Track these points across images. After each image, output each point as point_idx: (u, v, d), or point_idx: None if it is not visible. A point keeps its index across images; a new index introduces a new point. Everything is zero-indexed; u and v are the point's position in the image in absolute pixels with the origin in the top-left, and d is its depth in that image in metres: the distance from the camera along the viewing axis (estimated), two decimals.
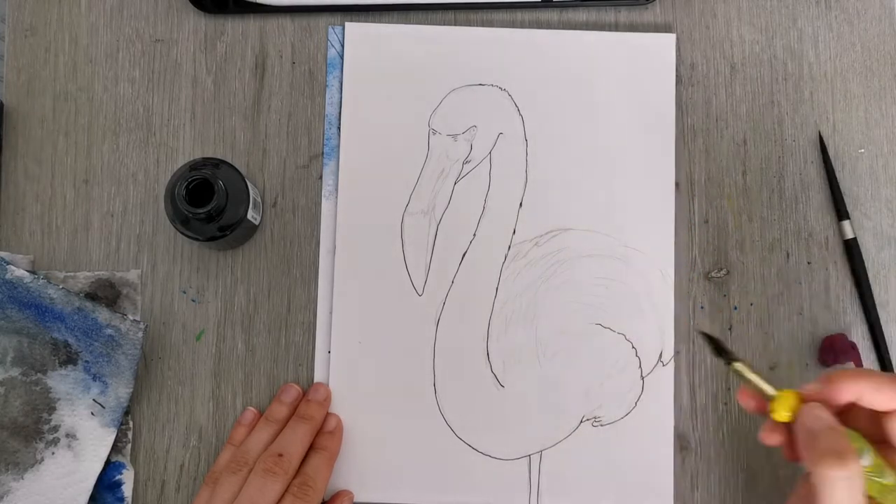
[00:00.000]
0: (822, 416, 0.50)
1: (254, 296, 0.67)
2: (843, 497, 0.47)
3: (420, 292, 0.66)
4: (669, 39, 0.69)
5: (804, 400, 0.52)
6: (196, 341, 0.67)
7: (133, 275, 0.67)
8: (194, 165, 0.61)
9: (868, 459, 0.49)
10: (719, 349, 0.54)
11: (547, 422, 0.65)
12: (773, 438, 0.53)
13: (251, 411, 0.65)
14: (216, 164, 0.62)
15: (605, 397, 0.65)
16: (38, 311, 0.64)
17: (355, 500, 0.64)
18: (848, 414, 0.52)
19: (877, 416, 0.52)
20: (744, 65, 0.69)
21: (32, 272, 0.65)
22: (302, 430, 0.63)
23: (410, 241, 0.67)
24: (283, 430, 0.63)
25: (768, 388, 0.52)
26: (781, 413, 0.51)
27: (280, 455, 0.61)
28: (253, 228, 0.66)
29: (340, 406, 0.65)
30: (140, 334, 0.65)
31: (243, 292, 0.67)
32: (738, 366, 0.53)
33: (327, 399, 0.65)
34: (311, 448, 0.63)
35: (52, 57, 0.69)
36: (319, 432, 0.64)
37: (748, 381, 0.53)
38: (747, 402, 0.54)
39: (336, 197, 0.67)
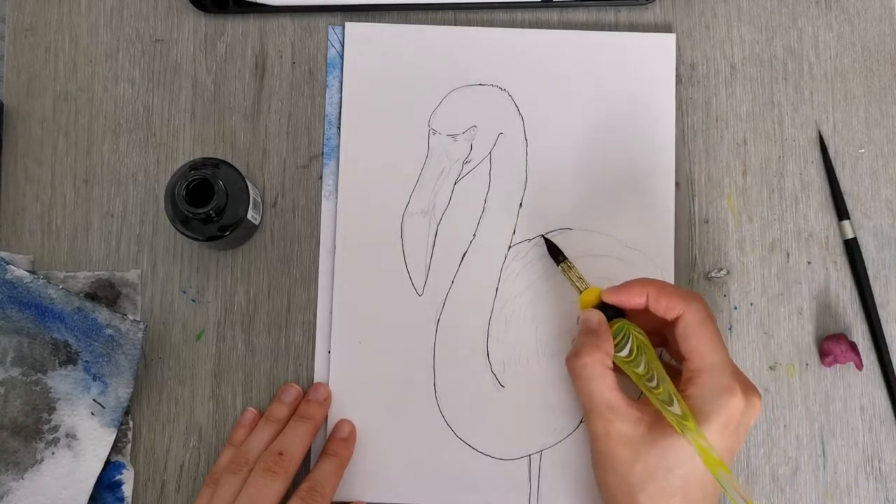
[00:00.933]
0: (588, 319, 0.60)
1: (254, 296, 0.67)
2: (575, 379, 0.59)
3: (420, 292, 0.66)
4: (669, 39, 0.69)
5: (601, 299, 0.61)
6: (196, 341, 0.67)
7: (133, 275, 0.67)
8: (194, 165, 0.61)
9: (626, 352, 0.59)
10: (553, 250, 0.64)
11: (547, 422, 0.65)
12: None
13: (251, 412, 0.65)
14: (216, 164, 0.62)
15: None
16: (38, 311, 0.64)
17: (355, 500, 0.64)
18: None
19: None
20: (744, 65, 0.69)
21: (32, 272, 0.65)
22: (302, 429, 0.63)
23: (410, 241, 0.67)
24: (284, 430, 0.63)
25: (580, 285, 0.63)
26: (583, 304, 0.62)
27: (280, 454, 0.61)
28: (253, 228, 0.66)
29: (340, 406, 0.65)
30: (140, 334, 0.65)
31: (243, 292, 0.67)
32: (564, 265, 0.64)
33: (327, 399, 0.65)
34: (323, 453, 0.63)
35: (52, 57, 0.69)
36: (332, 438, 0.64)
37: (569, 279, 0.63)
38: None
39: (336, 197, 0.67)
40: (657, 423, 0.57)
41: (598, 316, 0.60)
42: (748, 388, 0.58)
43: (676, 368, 0.61)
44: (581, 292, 0.62)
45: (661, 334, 0.62)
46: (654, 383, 0.57)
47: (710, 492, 0.57)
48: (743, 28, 0.70)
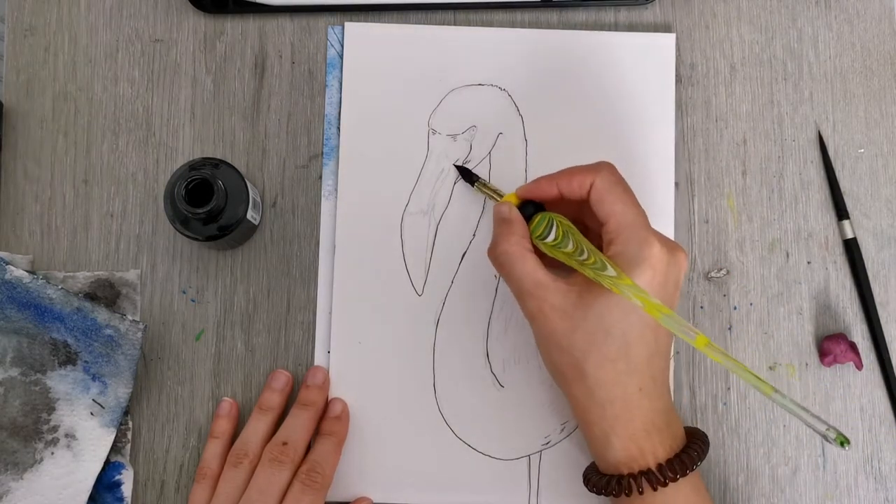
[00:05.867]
0: (499, 210, 0.61)
1: (254, 296, 0.67)
2: (499, 268, 0.60)
3: (420, 292, 0.66)
4: (669, 39, 0.69)
5: (519, 197, 0.62)
6: (196, 341, 0.67)
7: (132, 275, 0.67)
8: (194, 165, 0.61)
9: (552, 236, 0.59)
10: (466, 174, 0.66)
11: (547, 422, 0.65)
12: None
13: (227, 401, 0.65)
14: (216, 164, 0.62)
15: None
16: (37, 312, 0.64)
17: (354, 499, 0.64)
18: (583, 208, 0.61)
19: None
20: (744, 65, 0.69)
21: (32, 272, 0.65)
22: (305, 416, 0.63)
23: (410, 241, 0.67)
24: (287, 419, 0.63)
25: (497, 196, 0.64)
26: None
27: (285, 443, 0.61)
28: (253, 228, 0.66)
29: None
30: (139, 334, 0.65)
31: (243, 292, 0.67)
32: (479, 184, 0.65)
33: (326, 382, 0.65)
34: (319, 433, 0.63)
35: (51, 57, 0.69)
36: (325, 417, 0.64)
37: (487, 194, 0.65)
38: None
39: (336, 197, 0.67)
40: (587, 289, 0.58)
41: (507, 205, 0.61)
42: (669, 243, 0.59)
43: (600, 242, 0.62)
44: (499, 201, 0.63)
45: (584, 223, 0.63)
46: (584, 256, 0.58)
47: (656, 349, 0.58)
48: (743, 28, 0.70)
